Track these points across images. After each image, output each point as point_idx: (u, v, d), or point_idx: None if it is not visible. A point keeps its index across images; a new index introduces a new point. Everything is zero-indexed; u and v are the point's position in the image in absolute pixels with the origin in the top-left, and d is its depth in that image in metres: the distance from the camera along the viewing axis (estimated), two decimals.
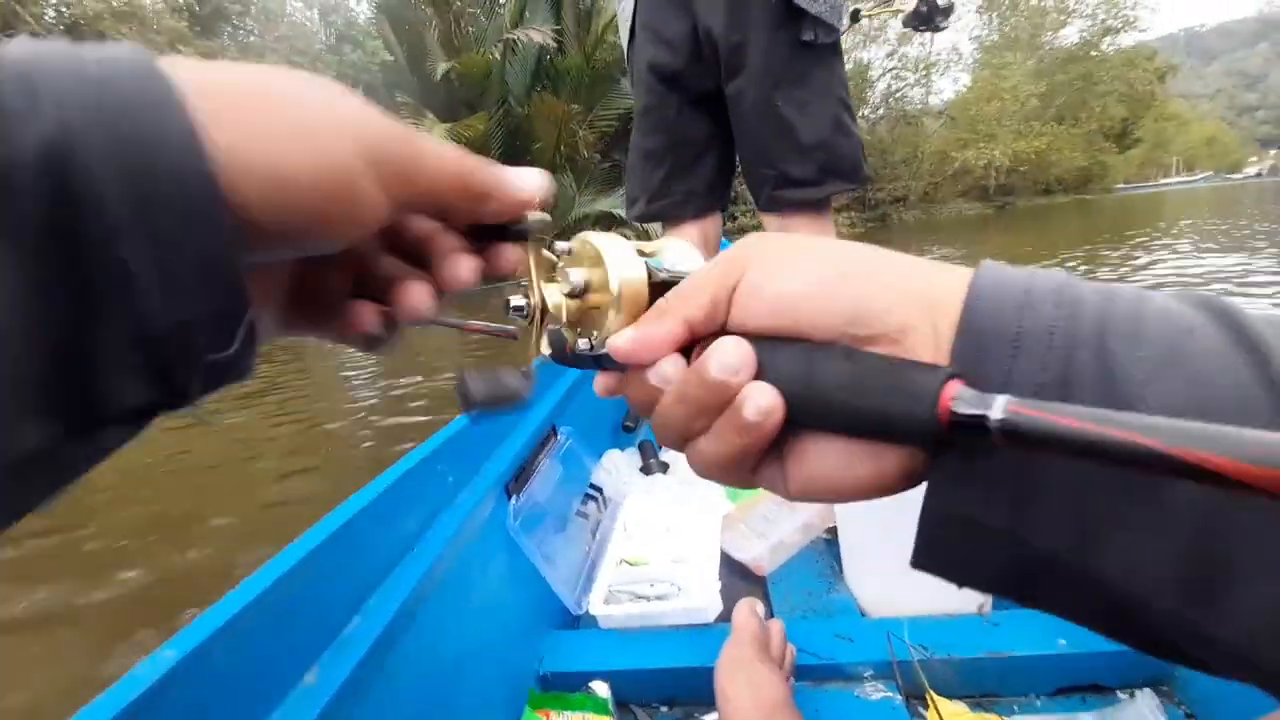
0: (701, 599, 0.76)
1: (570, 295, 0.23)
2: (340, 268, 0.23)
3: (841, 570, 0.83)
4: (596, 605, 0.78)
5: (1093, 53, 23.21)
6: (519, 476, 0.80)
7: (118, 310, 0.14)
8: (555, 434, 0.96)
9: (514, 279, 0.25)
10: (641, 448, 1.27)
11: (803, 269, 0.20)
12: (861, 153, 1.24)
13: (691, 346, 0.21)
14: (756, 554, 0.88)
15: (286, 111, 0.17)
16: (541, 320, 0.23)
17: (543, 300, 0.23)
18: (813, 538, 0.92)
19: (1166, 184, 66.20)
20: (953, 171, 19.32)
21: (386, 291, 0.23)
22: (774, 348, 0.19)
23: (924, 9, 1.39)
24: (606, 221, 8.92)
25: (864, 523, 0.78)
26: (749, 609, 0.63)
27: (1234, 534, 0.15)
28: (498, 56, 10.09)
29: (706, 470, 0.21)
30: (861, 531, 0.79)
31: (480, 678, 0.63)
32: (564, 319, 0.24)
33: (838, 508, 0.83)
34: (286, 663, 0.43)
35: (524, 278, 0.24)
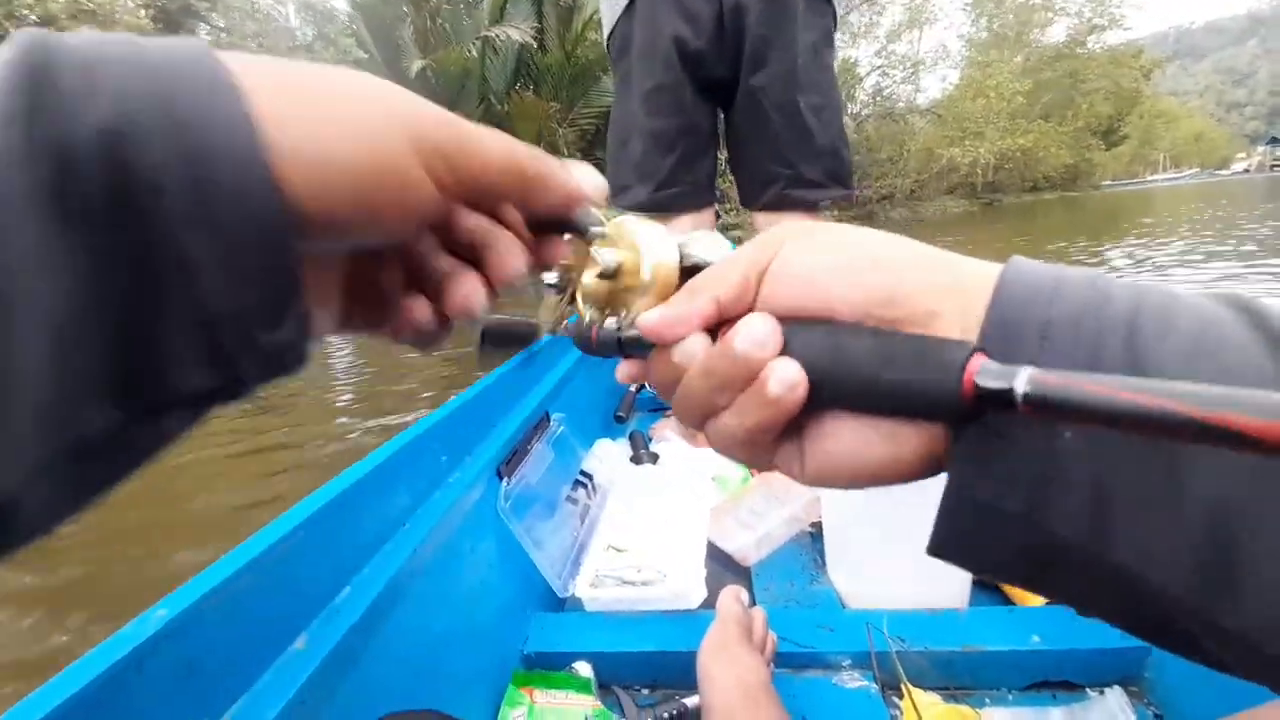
0: (686, 585, 0.77)
1: (602, 276, 0.24)
2: (394, 265, 0.23)
3: (824, 563, 0.85)
4: (583, 589, 0.79)
5: (1079, 50, 23.26)
6: (511, 459, 0.81)
7: (177, 294, 0.15)
8: (548, 420, 0.97)
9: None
10: (632, 438, 1.28)
11: (833, 252, 0.20)
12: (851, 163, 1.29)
13: (718, 329, 0.21)
14: (742, 545, 0.89)
15: (336, 100, 0.17)
16: (571, 300, 0.24)
17: (578, 280, 0.24)
18: (797, 531, 0.93)
19: (1153, 180, 66.26)
20: (939, 169, 19.38)
21: (440, 289, 0.23)
22: (801, 327, 0.20)
23: None
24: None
25: (849, 517, 0.79)
26: (733, 596, 0.64)
27: (1250, 523, 0.15)
28: (475, 54, 9.93)
29: (726, 446, 0.21)
30: (846, 526, 0.80)
31: (466, 653, 0.64)
32: (595, 300, 0.24)
33: (824, 503, 0.85)
34: (277, 626, 0.43)
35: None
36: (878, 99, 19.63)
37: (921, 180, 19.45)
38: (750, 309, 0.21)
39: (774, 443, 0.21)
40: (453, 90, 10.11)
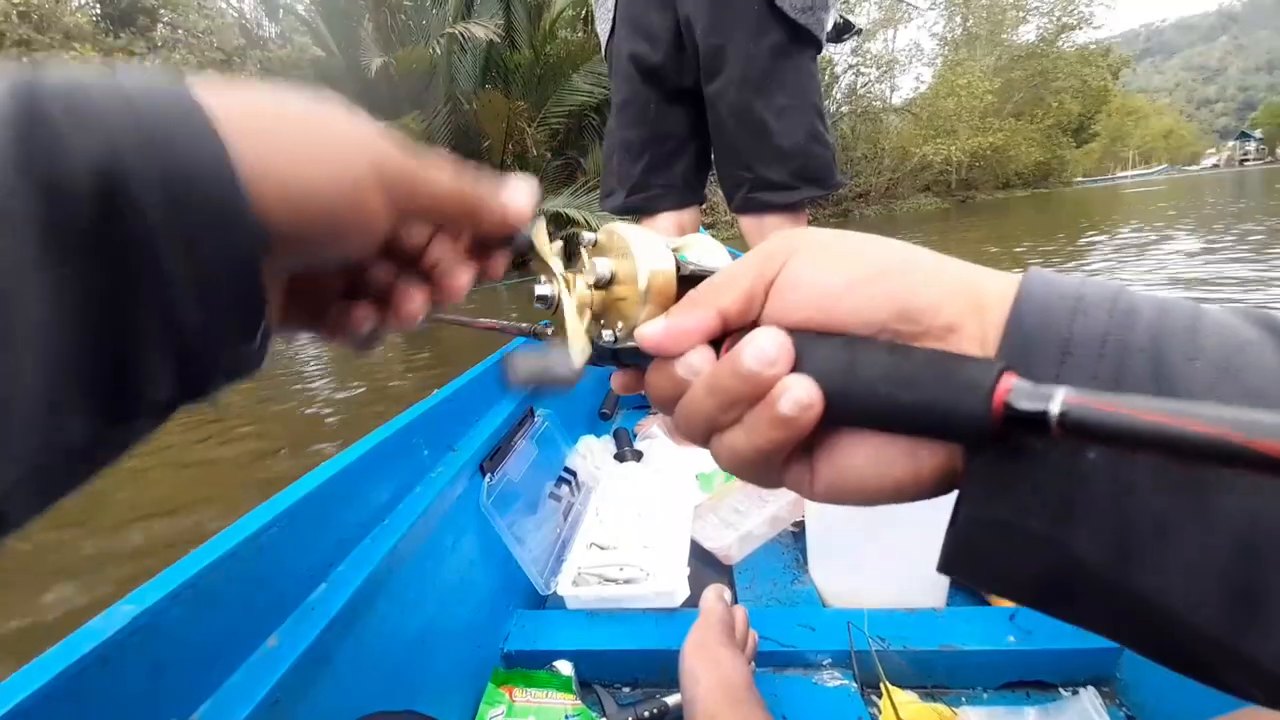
0: (669, 583, 0.76)
1: (595, 286, 0.23)
2: (335, 273, 0.24)
3: (806, 562, 0.85)
4: (564, 586, 0.78)
5: (1051, 50, 23.57)
6: (494, 455, 0.80)
7: (155, 314, 0.16)
8: (532, 416, 0.96)
9: (533, 272, 0.25)
10: (616, 435, 1.27)
11: (845, 263, 0.19)
12: (834, 159, 1.27)
13: (721, 341, 0.20)
14: (725, 543, 0.89)
15: (306, 130, 0.18)
16: (560, 309, 0.23)
17: (568, 287, 0.23)
18: (780, 530, 0.94)
19: (1123, 177, 67.62)
20: (912, 167, 19.63)
21: (381, 294, 0.24)
22: (812, 340, 0.19)
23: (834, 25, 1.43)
24: (559, 221, 8.18)
25: (831, 517, 0.80)
26: (716, 594, 0.64)
27: (1278, 552, 0.15)
28: (440, 51, 9.63)
29: (732, 465, 0.21)
30: (828, 525, 0.81)
31: (445, 652, 0.63)
32: (589, 310, 0.23)
33: (807, 503, 0.85)
34: (249, 625, 0.42)
35: (543, 273, 0.24)
36: (853, 98, 19.79)
37: (896, 178, 19.70)
38: (756, 322, 0.20)
39: (784, 461, 0.20)
40: (417, 89, 9.63)
